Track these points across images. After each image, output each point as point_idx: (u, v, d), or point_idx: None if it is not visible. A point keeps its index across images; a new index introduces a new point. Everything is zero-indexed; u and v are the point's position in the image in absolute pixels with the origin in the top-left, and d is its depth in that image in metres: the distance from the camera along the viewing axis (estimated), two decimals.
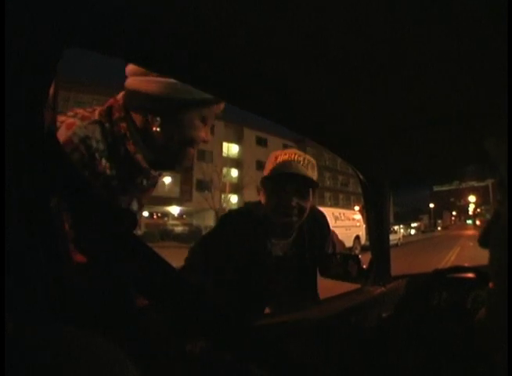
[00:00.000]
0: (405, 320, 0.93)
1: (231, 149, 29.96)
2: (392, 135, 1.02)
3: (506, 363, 0.40)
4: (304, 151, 1.41)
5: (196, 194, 25.74)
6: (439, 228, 60.47)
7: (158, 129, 0.92)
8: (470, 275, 0.99)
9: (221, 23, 0.53)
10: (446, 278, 1.01)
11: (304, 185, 1.24)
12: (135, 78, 0.90)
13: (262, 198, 1.30)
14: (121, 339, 0.39)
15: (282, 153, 1.28)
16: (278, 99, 0.78)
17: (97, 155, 0.84)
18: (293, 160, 1.24)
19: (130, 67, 0.92)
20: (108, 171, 0.87)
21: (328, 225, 1.48)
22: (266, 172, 1.28)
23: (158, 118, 0.91)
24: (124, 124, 0.90)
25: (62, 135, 0.79)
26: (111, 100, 0.94)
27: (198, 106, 0.93)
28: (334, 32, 0.56)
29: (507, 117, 0.43)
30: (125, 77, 0.93)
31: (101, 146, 0.85)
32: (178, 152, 0.97)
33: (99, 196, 0.62)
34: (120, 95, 0.94)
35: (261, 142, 31.92)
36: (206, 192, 24.45)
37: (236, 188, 27.39)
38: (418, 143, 1.10)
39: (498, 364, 0.46)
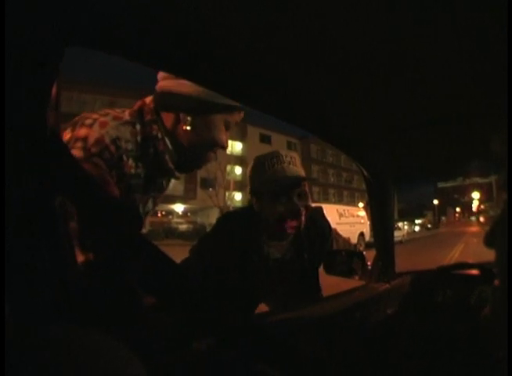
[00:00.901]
0: (409, 317, 0.93)
1: (235, 146, 29.90)
2: (394, 134, 1.02)
3: (509, 361, 0.40)
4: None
5: (200, 192, 25.73)
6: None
7: (188, 128, 0.98)
8: (475, 272, 0.99)
9: (221, 22, 0.52)
10: (451, 275, 1.01)
11: (302, 185, 1.20)
12: (169, 81, 0.97)
13: (260, 208, 1.23)
14: (127, 337, 0.39)
15: (268, 158, 1.21)
16: (278, 97, 0.78)
17: (125, 155, 0.89)
18: (283, 162, 1.18)
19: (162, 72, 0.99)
20: (133, 171, 0.92)
21: (327, 221, 1.44)
22: (258, 182, 1.22)
23: (189, 117, 0.98)
24: (155, 126, 0.96)
25: (95, 131, 0.84)
26: (139, 102, 1.00)
27: (224, 110, 1.01)
28: (334, 32, 0.56)
29: (507, 117, 0.43)
30: (156, 82, 1.00)
31: (130, 146, 0.91)
32: (202, 153, 1.05)
33: (105, 195, 0.62)
34: (149, 99, 1.00)
35: (265, 139, 31.81)
36: (210, 190, 24.41)
37: (240, 185, 27.34)
38: (419, 142, 1.09)
39: (501, 361, 0.46)
